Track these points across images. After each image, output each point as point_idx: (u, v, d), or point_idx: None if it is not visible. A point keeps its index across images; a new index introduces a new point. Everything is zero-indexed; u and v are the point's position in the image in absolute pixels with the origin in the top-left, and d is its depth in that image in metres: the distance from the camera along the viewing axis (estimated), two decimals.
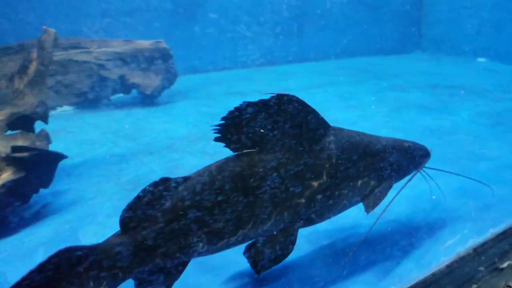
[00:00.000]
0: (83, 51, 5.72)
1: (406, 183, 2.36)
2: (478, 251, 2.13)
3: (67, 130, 4.76)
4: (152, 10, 7.49)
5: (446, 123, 4.25)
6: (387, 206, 2.23)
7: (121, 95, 5.94)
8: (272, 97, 1.98)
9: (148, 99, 5.80)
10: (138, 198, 1.79)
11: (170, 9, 7.60)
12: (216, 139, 1.95)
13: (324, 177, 2.08)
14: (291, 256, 2.16)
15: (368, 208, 2.15)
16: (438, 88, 5.61)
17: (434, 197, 2.66)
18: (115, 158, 3.89)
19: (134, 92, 5.87)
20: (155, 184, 1.81)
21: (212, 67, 7.89)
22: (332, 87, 6.22)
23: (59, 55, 5.58)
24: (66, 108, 5.68)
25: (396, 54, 8.71)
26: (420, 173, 2.49)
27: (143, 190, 1.79)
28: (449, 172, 2.52)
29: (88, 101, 5.66)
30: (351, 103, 5.22)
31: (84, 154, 4.02)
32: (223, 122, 1.98)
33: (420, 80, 6.22)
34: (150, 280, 1.92)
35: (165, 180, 1.84)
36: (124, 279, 1.80)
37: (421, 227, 2.55)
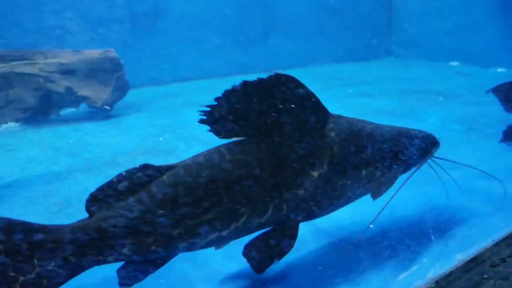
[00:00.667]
0: (27, 63, 5.28)
1: (413, 173, 2.19)
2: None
3: (7, 148, 4.37)
4: (110, 20, 7.09)
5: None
6: (393, 195, 2.02)
7: (71, 109, 5.52)
8: (270, 76, 1.77)
9: (99, 112, 5.38)
10: (111, 183, 1.66)
11: (129, 19, 7.21)
12: (201, 121, 1.82)
13: (325, 167, 1.90)
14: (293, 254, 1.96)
15: (375, 194, 1.96)
16: (407, 94, 5.32)
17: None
18: (50, 176, 3.54)
19: (84, 105, 5.44)
20: (132, 171, 1.68)
21: (174, 78, 7.52)
22: None
23: (3, 67, 5.15)
24: (11, 124, 5.25)
25: (366, 61, 8.44)
26: (429, 163, 2.31)
27: (118, 175, 1.66)
28: (460, 164, 2.36)
29: (34, 116, 5.22)
30: None
31: (16, 173, 3.66)
32: (214, 103, 1.80)
33: (389, 86, 5.92)
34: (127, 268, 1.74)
35: (144, 167, 1.70)
36: (81, 265, 1.63)
37: None
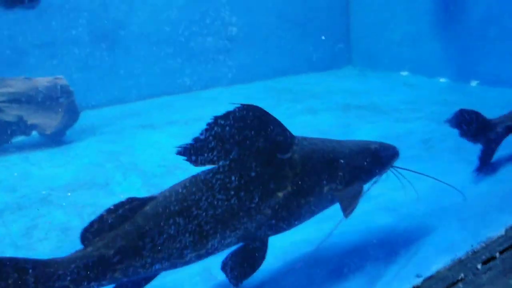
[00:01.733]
0: None
1: (374, 183, 2.43)
2: None
3: None
4: (69, 41, 7.14)
5: None
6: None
7: (23, 137, 5.57)
8: (236, 108, 2.03)
9: (50, 140, 5.45)
10: (102, 216, 1.94)
11: (89, 39, 7.26)
12: (178, 154, 2.09)
13: (289, 187, 2.14)
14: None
15: (347, 212, 2.14)
16: (350, 109, 5.43)
17: None
18: None
19: (36, 133, 5.51)
20: (120, 204, 1.97)
21: (137, 96, 7.56)
22: None
23: None
24: None
25: (326, 71, 8.54)
26: (392, 171, 2.53)
27: (107, 209, 1.96)
28: (418, 173, 2.54)
29: None
30: None
31: None
32: (191, 143, 2.09)
33: (336, 100, 6.03)
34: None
35: (130, 200, 1.99)
36: None
37: None
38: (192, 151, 2.08)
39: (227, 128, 2.04)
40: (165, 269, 2.04)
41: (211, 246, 2.04)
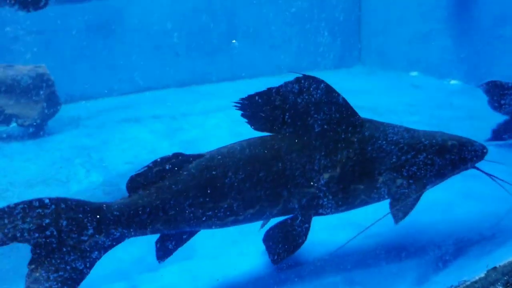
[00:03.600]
0: None
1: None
2: None
3: None
4: (64, 31, 6.92)
5: None
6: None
7: (3, 127, 5.34)
8: (300, 78, 2.01)
9: (29, 131, 5.20)
10: (148, 168, 1.98)
11: (84, 29, 7.02)
12: (243, 116, 2.05)
13: (343, 168, 2.00)
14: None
15: (397, 218, 1.98)
16: None
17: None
18: None
19: (15, 124, 5.26)
20: (167, 158, 1.97)
21: (133, 88, 7.29)
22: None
23: None
24: None
25: (335, 69, 8.12)
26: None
27: (154, 161, 1.98)
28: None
29: None
30: (240, 130, 4.62)
31: None
32: (255, 99, 2.04)
33: None
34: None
35: (177, 155, 1.99)
36: (122, 237, 1.93)
37: None
38: (253, 116, 2.06)
39: (288, 97, 2.01)
40: (204, 227, 2.03)
41: (252, 212, 1.99)
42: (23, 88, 5.21)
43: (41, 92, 5.25)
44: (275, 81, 6.65)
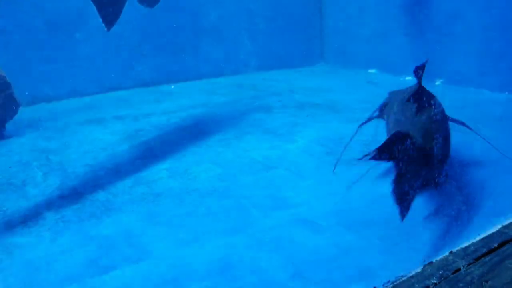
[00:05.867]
0: None
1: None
2: None
3: None
4: (23, 29, 6.78)
5: (277, 153, 3.71)
6: None
7: None
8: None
9: None
10: None
11: (45, 28, 6.90)
12: None
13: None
14: None
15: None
16: (304, 108, 5.12)
17: None
18: None
19: None
20: None
21: (98, 89, 7.21)
22: (201, 108, 5.68)
23: None
24: None
25: (299, 67, 8.22)
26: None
27: None
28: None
29: None
30: (203, 128, 4.69)
31: None
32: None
33: (296, 98, 5.72)
34: None
35: None
36: None
37: None
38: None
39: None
40: None
41: None
42: None
43: None
44: (240, 79, 6.71)
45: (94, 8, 7.27)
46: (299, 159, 3.53)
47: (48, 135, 5.12)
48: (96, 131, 5.13)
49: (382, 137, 2.82)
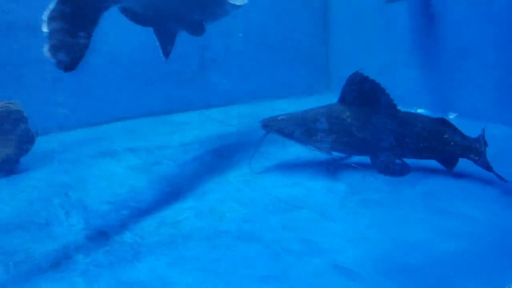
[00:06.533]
0: None
1: None
2: None
3: None
4: (32, 61, 6.85)
5: (299, 191, 3.73)
6: None
7: None
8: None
9: (1, 168, 5.10)
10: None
11: (48, 60, 6.94)
12: None
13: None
14: None
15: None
16: None
17: None
18: None
19: None
20: None
21: (106, 119, 7.25)
22: (216, 141, 5.72)
23: None
24: None
25: (305, 96, 8.31)
26: None
27: None
28: None
29: None
30: (221, 163, 4.71)
31: None
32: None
33: None
34: None
35: None
36: None
37: None
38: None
39: None
40: None
41: None
42: None
43: (15, 129, 5.18)
44: (249, 109, 6.74)
45: (102, 40, 7.39)
46: (324, 199, 3.54)
47: (63, 168, 5.13)
48: (111, 165, 5.14)
49: None
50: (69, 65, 3.10)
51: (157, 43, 5.10)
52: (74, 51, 3.10)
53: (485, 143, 3.60)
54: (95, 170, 5.00)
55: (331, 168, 4.22)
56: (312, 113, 4.15)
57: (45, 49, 3.03)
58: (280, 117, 4.26)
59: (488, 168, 3.50)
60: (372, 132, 3.84)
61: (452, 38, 5.45)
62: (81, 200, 4.12)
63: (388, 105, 3.93)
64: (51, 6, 2.97)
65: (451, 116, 5.42)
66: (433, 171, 3.96)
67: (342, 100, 4.07)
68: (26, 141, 5.24)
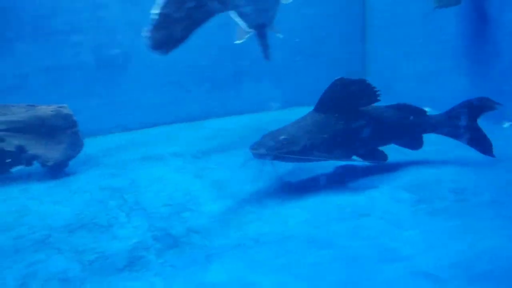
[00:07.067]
0: None
1: None
2: None
3: None
4: (73, 67, 6.98)
5: (362, 199, 3.72)
6: None
7: (24, 167, 5.29)
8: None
9: (51, 171, 5.19)
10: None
11: (95, 65, 7.10)
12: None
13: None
14: None
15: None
16: None
17: None
18: None
19: (37, 163, 5.23)
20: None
21: (142, 124, 7.34)
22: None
23: None
24: None
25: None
26: None
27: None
28: None
29: None
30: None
31: None
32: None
33: None
34: None
35: None
36: None
37: None
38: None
39: None
40: None
41: None
42: (46, 128, 5.23)
43: (65, 133, 5.27)
44: (283, 115, 6.71)
45: (140, 47, 7.50)
46: (389, 207, 3.53)
47: (111, 172, 5.18)
48: (159, 169, 5.18)
49: None
50: (159, 47, 3.76)
51: (260, 46, 5.61)
52: (170, 38, 3.72)
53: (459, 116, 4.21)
54: (144, 173, 5.05)
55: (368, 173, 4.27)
56: (306, 126, 4.09)
57: (146, 29, 3.60)
58: (282, 137, 3.93)
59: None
60: (354, 132, 4.08)
61: (506, 44, 5.37)
62: (138, 202, 4.16)
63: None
64: None
65: (506, 125, 5.35)
66: (495, 181, 3.89)
67: (320, 107, 4.24)
68: (76, 144, 5.33)
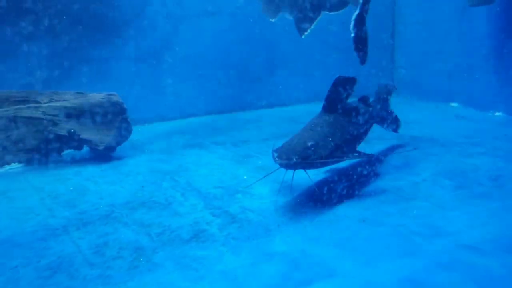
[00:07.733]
0: (32, 105, 5.41)
1: None
2: None
3: (6, 195, 4.41)
4: (116, 58, 7.27)
5: (405, 184, 3.95)
6: None
7: (74, 150, 5.60)
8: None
9: (101, 155, 5.48)
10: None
11: (135, 58, 7.39)
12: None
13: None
14: None
15: None
16: (404, 139, 5.34)
17: None
18: (46, 232, 3.52)
19: (87, 147, 5.53)
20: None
21: (180, 114, 7.61)
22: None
23: (6, 110, 5.29)
24: (14, 165, 5.35)
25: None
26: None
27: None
28: None
29: (37, 158, 5.32)
30: None
31: (13, 226, 3.66)
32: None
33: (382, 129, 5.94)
34: None
35: None
36: None
37: None
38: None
39: None
40: None
41: None
42: (97, 114, 5.52)
43: (115, 119, 5.56)
44: (315, 107, 6.93)
45: (183, 37, 7.75)
46: (432, 191, 3.76)
47: (158, 157, 5.45)
48: (203, 155, 5.44)
49: None
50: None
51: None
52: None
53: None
54: (190, 159, 5.31)
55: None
56: (322, 128, 3.97)
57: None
58: (309, 144, 3.66)
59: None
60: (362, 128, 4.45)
61: None
62: (190, 184, 4.42)
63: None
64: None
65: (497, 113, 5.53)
66: None
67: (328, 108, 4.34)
68: (126, 129, 5.62)
